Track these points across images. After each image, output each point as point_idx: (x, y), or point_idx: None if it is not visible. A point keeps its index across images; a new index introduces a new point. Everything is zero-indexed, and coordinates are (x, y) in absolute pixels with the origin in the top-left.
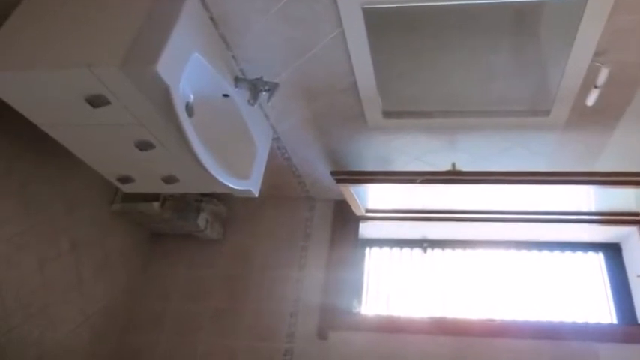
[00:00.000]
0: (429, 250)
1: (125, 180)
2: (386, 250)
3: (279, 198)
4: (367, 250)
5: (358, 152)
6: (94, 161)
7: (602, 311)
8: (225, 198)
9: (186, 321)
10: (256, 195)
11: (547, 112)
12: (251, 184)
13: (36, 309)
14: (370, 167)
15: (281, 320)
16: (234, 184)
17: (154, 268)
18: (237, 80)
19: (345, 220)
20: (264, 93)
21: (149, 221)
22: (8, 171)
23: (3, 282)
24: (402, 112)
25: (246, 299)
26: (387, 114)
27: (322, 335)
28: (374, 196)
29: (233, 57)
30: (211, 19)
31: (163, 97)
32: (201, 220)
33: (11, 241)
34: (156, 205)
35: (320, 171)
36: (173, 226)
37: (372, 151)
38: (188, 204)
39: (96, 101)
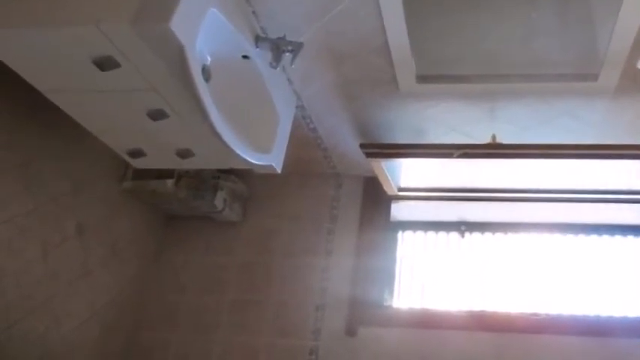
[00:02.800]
0: (466, 234)
1: (136, 154)
2: (420, 234)
3: (303, 175)
4: (399, 234)
5: (388, 122)
6: (102, 132)
7: None
8: (244, 175)
9: (202, 315)
10: (279, 171)
11: (595, 77)
12: (273, 159)
13: (39, 302)
14: (402, 139)
15: (306, 315)
16: (254, 159)
17: (168, 255)
18: (258, 39)
19: (375, 199)
20: (287, 54)
21: (162, 201)
22: (8, 145)
23: (3, 270)
24: (436, 76)
25: (267, 290)
26: (421, 78)
27: (351, 332)
28: (406, 173)
29: (253, 12)
30: None
31: (177, 59)
32: (219, 200)
33: (12, 223)
34: (169, 182)
35: (348, 143)
36: (188, 207)
37: (404, 121)
38: (205, 181)
39: (104, 63)
